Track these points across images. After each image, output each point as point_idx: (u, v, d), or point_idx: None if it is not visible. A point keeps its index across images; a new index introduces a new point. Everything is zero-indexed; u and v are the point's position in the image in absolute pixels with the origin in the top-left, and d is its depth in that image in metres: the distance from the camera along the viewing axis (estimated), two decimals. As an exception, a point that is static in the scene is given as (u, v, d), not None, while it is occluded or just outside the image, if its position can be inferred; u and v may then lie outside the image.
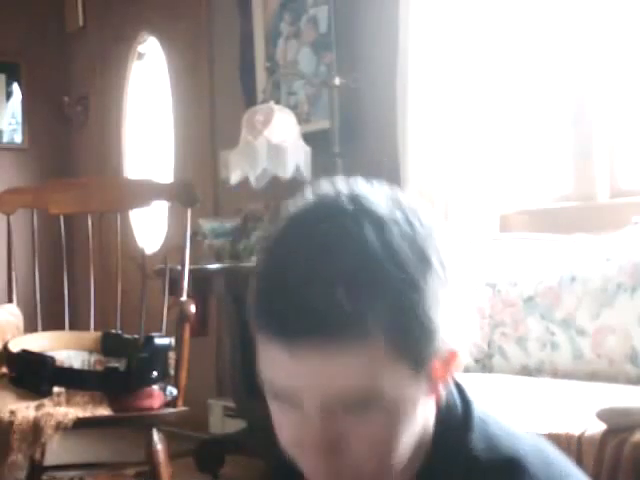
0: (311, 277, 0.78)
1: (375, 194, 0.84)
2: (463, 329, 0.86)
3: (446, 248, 0.85)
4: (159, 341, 2.27)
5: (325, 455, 0.82)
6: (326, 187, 0.86)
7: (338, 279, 0.77)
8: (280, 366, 0.81)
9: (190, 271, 2.54)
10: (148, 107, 4.56)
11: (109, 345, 2.38)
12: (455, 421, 0.90)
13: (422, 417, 0.87)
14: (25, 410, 2.11)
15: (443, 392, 0.88)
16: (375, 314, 0.78)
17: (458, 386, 0.94)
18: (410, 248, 0.81)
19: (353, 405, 0.80)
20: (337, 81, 2.97)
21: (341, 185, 0.85)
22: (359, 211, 0.81)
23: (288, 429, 0.85)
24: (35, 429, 2.07)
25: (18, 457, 2.10)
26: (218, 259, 3.19)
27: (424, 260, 0.81)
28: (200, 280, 2.94)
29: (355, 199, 0.83)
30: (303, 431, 0.83)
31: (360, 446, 0.83)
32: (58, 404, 2.15)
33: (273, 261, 0.83)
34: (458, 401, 0.92)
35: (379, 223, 0.81)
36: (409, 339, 0.80)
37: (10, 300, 2.58)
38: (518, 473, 0.85)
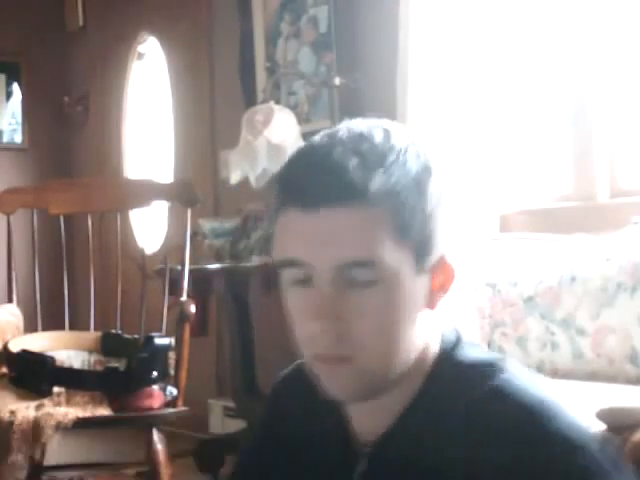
0: (326, 156, 0.90)
1: (389, 124, 0.96)
2: (458, 254, 0.97)
3: (444, 179, 0.94)
4: (159, 341, 2.27)
5: (332, 325, 0.89)
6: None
7: (349, 157, 0.89)
8: (296, 233, 0.90)
9: (190, 271, 2.54)
10: (148, 107, 4.56)
11: (109, 345, 2.38)
12: (449, 344, 0.98)
13: (422, 326, 0.94)
14: (25, 410, 2.11)
15: (440, 307, 0.96)
16: (381, 190, 0.88)
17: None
18: (415, 156, 0.92)
19: (358, 275, 0.88)
20: (337, 81, 2.97)
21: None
22: (372, 124, 0.95)
23: (300, 313, 0.92)
24: (35, 429, 2.07)
25: (18, 457, 2.10)
26: (218, 259, 3.19)
27: (427, 169, 0.92)
28: (200, 280, 2.94)
29: (369, 121, 0.96)
30: (313, 304, 0.89)
31: (363, 322, 0.89)
32: (58, 404, 2.15)
33: (291, 157, 0.96)
34: (453, 335, 1.00)
35: (387, 132, 0.93)
36: (412, 226, 0.90)
37: (10, 300, 2.58)
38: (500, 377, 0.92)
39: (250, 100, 3.46)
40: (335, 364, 0.91)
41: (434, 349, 0.97)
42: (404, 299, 0.91)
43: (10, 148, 4.81)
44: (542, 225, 2.57)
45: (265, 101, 2.92)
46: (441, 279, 0.95)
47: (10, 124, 4.84)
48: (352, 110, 3.08)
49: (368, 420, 0.97)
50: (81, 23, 4.77)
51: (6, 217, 2.67)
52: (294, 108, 3.19)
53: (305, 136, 2.95)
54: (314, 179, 0.89)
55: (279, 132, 2.82)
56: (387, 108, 2.86)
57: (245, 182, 2.93)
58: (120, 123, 4.59)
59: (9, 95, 4.84)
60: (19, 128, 4.84)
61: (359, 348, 0.90)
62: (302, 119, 3.16)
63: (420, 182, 0.91)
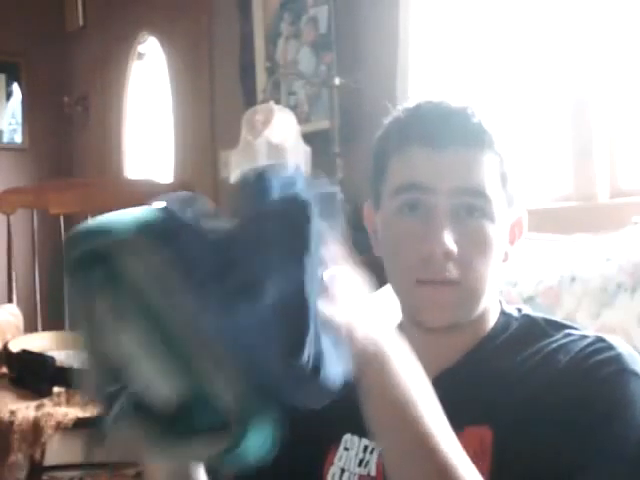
0: (448, 106, 1.05)
1: None
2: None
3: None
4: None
5: (450, 246, 0.99)
6: None
7: (467, 110, 1.04)
8: (421, 163, 1.02)
9: (190, 271, 2.53)
10: (148, 107, 4.56)
11: (109, 345, 2.38)
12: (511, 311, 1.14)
13: (500, 272, 1.07)
14: (25, 410, 2.11)
15: (510, 255, 1.10)
16: (493, 140, 1.06)
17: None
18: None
19: (474, 203, 1.01)
20: (337, 81, 2.97)
21: None
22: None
23: (409, 238, 1.02)
24: (35, 429, 2.07)
25: (18, 457, 2.10)
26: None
27: (509, 154, 1.09)
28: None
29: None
30: (432, 227, 0.99)
31: (475, 248, 1.01)
32: (58, 404, 2.16)
33: (412, 108, 1.08)
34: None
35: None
36: (508, 177, 1.06)
37: (10, 300, 2.59)
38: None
39: (250, 100, 3.46)
40: (443, 286, 1.00)
41: (497, 303, 1.10)
42: (500, 237, 1.05)
43: (10, 148, 4.81)
44: (542, 225, 2.57)
45: (265, 101, 2.92)
46: (514, 235, 1.10)
47: (10, 124, 4.84)
48: (352, 110, 3.09)
49: (430, 357, 1.00)
50: (81, 23, 4.77)
51: (6, 217, 2.67)
52: (294, 108, 3.19)
53: (305, 136, 2.95)
54: (442, 122, 1.03)
55: (279, 132, 2.82)
56: (387, 108, 2.86)
57: (245, 182, 2.93)
58: (120, 123, 4.58)
59: (9, 95, 4.84)
60: (19, 128, 4.84)
61: (468, 272, 1.01)
62: (302, 119, 3.16)
63: (509, 159, 1.08)
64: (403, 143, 1.04)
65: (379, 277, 1.01)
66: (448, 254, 0.99)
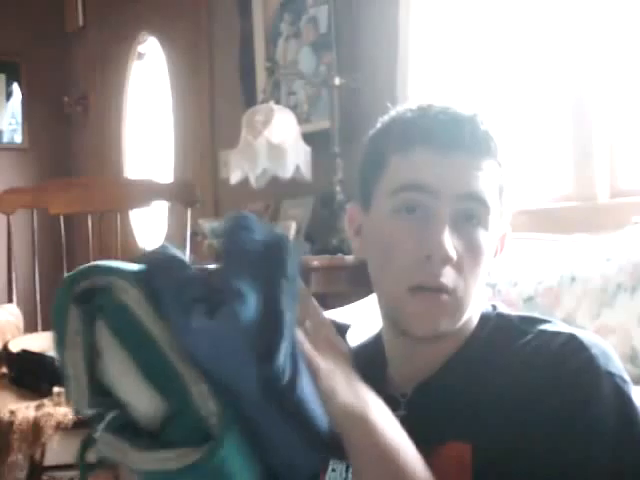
0: (454, 110, 1.01)
1: None
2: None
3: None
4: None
5: (449, 253, 0.96)
6: None
7: (480, 122, 1.01)
8: (427, 165, 0.99)
9: (190, 271, 2.53)
10: (148, 107, 4.56)
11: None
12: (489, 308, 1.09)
13: (486, 279, 1.05)
14: (25, 410, 2.11)
15: (494, 264, 1.07)
16: (498, 149, 1.03)
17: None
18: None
19: (474, 209, 0.99)
20: (337, 81, 2.97)
21: None
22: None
23: (406, 240, 0.98)
24: (35, 429, 2.07)
25: (18, 457, 2.10)
26: (218, 259, 3.18)
27: (509, 166, 1.06)
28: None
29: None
30: (433, 231, 0.97)
31: (471, 256, 0.99)
32: (58, 404, 2.15)
33: (419, 108, 1.03)
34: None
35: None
36: (505, 190, 1.04)
37: (10, 300, 2.58)
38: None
39: (250, 100, 3.46)
40: (437, 294, 0.97)
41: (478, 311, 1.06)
42: (491, 248, 1.03)
43: (10, 148, 4.81)
44: (542, 225, 2.57)
45: (265, 101, 2.92)
46: (497, 250, 1.07)
47: (10, 124, 4.84)
48: (352, 110, 3.09)
49: (411, 367, 1.04)
50: (81, 23, 4.77)
51: (6, 217, 2.67)
52: (294, 108, 3.19)
53: (305, 136, 2.95)
54: (452, 126, 0.99)
55: (279, 132, 2.82)
56: (387, 108, 2.86)
57: (245, 182, 2.93)
58: (120, 123, 4.59)
59: (9, 95, 4.84)
60: (19, 128, 4.84)
61: (460, 280, 0.98)
62: (302, 119, 3.16)
63: (507, 169, 1.05)
64: (408, 142, 1.00)
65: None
66: (446, 259, 0.96)
